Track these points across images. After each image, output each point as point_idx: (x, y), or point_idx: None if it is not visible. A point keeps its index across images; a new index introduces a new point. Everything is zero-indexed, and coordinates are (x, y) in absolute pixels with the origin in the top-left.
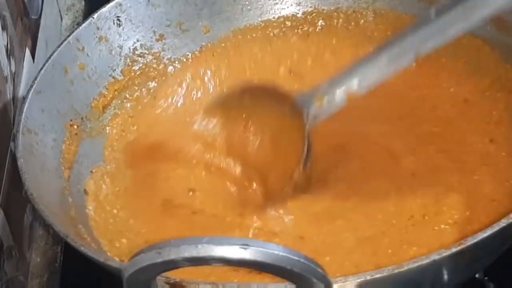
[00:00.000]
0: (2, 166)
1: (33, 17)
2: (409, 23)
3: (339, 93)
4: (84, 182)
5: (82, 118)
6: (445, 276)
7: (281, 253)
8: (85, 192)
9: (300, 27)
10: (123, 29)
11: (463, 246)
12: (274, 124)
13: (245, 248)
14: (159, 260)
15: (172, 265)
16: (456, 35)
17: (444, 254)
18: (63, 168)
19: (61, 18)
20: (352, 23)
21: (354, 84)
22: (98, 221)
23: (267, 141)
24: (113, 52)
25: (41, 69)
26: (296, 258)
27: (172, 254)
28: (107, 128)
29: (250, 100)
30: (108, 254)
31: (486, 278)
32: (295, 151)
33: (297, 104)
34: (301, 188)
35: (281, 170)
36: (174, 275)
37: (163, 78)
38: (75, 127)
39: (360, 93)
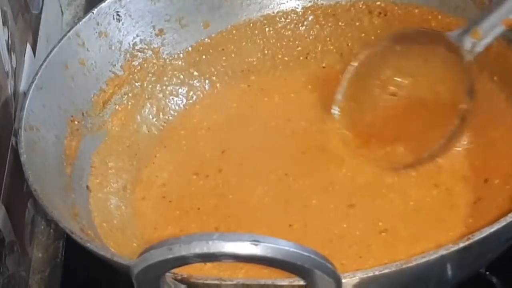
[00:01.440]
0: (4, 161)
1: (34, 12)
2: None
3: (495, 21)
4: (86, 178)
5: (83, 114)
6: (452, 271)
7: (291, 249)
8: (88, 188)
9: (300, 21)
10: (122, 24)
11: (471, 241)
12: (429, 69)
13: (256, 244)
14: (170, 256)
15: (182, 261)
16: None
17: (452, 249)
18: (65, 164)
19: (62, 13)
20: (352, 18)
21: (509, 10)
22: (101, 217)
23: (425, 86)
24: (113, 47)
25: (41, 64)
26: (306, 254)
27: (183, 250)
28: (108, 123)
29: (402, 47)
30: (112, 250)
31: (488, 272)
32: (456, 88)
33: (451, 41)
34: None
35: (442, 113)
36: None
37: (163, 73)
38: (76, 122)
39: None
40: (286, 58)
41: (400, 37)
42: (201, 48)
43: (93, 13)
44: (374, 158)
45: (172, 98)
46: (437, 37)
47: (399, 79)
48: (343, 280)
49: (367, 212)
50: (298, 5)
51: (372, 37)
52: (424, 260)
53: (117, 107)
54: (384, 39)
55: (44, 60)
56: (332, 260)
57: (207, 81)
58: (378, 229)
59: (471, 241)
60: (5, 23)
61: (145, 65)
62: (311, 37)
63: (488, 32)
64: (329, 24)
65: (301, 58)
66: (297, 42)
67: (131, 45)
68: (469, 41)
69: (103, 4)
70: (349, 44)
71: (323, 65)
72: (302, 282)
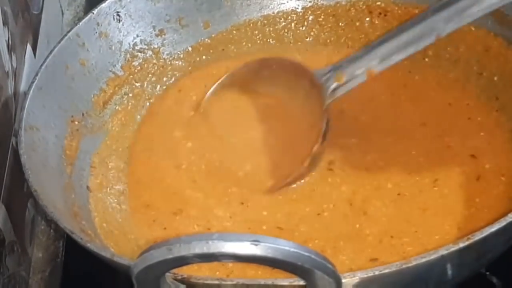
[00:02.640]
0: (4, 161)
1: (34, 12)
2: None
3: (359, 70)
4: (87, 178)
5: (83, 114)
6: (452, 271)
7: (291, 249)
8: (88, 188)
9: (300, 22)
10: (123, 25)
11: (471, 241)
12: (291, 99)
13: (256, 244)
14: (170, 256)
15: (182, 261)
16: (478, 15)
17: (452, 249)
18: (65, 164)
19: (62, 13)
20: (352, 18)
21: (374, 62)
22: (101, 217)
23: (284, 117)
24: (113, 48)
25: (42, 65)
26: (306, 254)
27: (183, 250)
28: (108, 124)
29: (268, 73)
30: (112, 250)
31: (488, 272)
32: (313, 127)
33: (316, 80)
34: (313, 166)
35: (298, 147)
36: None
37: (163, 73)
38: (76, 123)
39: (379, 71)
40: None
41: (266, 64)
42: (201, 48)
43: (93, 13)
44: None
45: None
46: (304, 72)
47: (264, 100)
48: (343, 280)
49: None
50: (298, 5)
51: (373, 38)
52: (424, 260)
53: (117, 107)
54: (255, 61)
55: (45, 61)
56: None
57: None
58: None
59: (471, 241)
60: (5, 23)
61: (145, 65)
62: (311, 38)
63: (351, 79)
64: (329, 25)
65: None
66: (298, 44)
67: (131, 46)
68: (333, 83)
69: (103, 5)
70: (349, 44)
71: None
72: (302, 282)
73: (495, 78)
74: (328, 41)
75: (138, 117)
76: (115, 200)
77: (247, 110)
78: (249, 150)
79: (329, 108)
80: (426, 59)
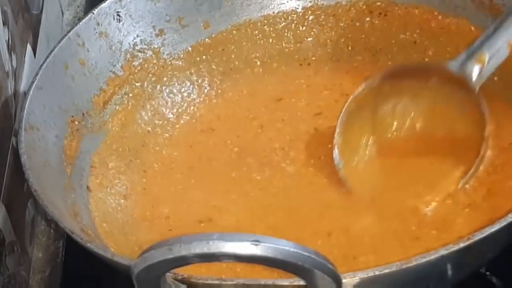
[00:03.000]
0: (4, 161)
1: (34, 12)
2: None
3: (499, 45)
4: (87, 178)
5: (83, 114)
6: (452, 271)
7: (292, 249)
8: (88, 188)
9: (300, 22)
10: (123, 25)
11: (471, 241)
12: (434, 103)
13: (256, 244)
14: (170, 256)
15: (182, 261)
16: None
17: (452, 249)
18: (65, 164)
19: (62, 13)
20: (352, 18)
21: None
22: (101, 217)
23: (433, 124)
24: (113, 48)
25: (42, 64)
26: (307, 254)
27: (183, 250)
28: (108, 123)
29: (394, 86)
30: (112, 250)
31: (488, 272)
32: (467, 121)
33: (452, 73)
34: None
35: (461, 149)
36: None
37: (163, 73)
38: (76, 123)
39: None
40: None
41: (389, 75)
42: (202, 48)
43: (93, 13)
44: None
45: (173, 98)
46: (433, 70)
47: (399, 121)
48: (344, 280)
49: None
50: (299, 5)
51: (373, 38)
52: (424, 260)
53: (117, 107)
54: (373, 78)
55: (45, 60)
56: None
57: (207, 82)
58: None
59: (471, 241)
60: (5, 23)
61: (145, 65)
62: (311, 38)
63: (493, 56)
64: (330, 25)
65: (302, 58)
66: (298, 45)
67: (131, 45)
68: (475, 68)
69: (103, 5)
70: (350, 44)
71: (324, 65)
72: (302, 282)
73: (495, 78)
74: (328, 41)
75: (138, 117)
76: (115, 200)
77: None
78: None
79: None
80: (426, 59)
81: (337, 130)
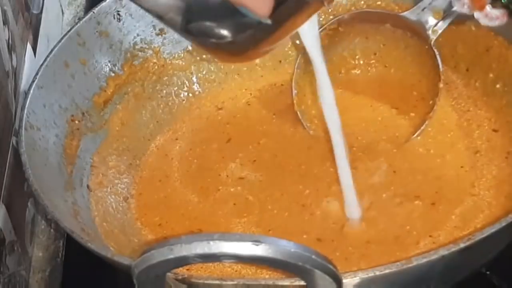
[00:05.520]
0: (4, 160)
1: (34, 11)
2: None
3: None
4: (87, 177)
5: (83, 113)
6: (453, 271)
7: (292, 249)
8: (88, 187)
9: None
10: (123, 24)
11: (471, 241)
12: (387, 47)
13: (257, 245)
14: (171, 256)
15: (183, 261)
16: None
17: (453, 249)
18: (65, 163)
19: (63, 13)
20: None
21: None
22: (101, 217)
23: (386, 69)
24: (113, 47)
25: (42, 64)
26: (307, 254)
27: (184, 250)
28: (109, 123)
29: (348, 29)
30: (112, 250)
31: (488, 272)
32: (423, 74)
33: (408, 20)
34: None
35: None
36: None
37: (163, 72)
38: (77, 122)
39: None
40: (287, 57)
41: (348, 17)
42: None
43: (93, 12)
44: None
45: (173, 98)
46: (392, 18)
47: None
48: (344, 281)
49: None
50: None
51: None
52: (424, 260)
53: (117, 106)
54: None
55: (45, 60)
56: None
57: (207, 81)
58: None
59: (471, 241)
60: (5, 22)
61: (146, 64)
62: None
63: (449, 10)
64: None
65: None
66: (297, 41)
67: (131, 45)
68: (430, 19)
69: (103, 4)
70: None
71: None
72: (302, 282)
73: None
74: (328, 39)
75: (139, 116)
76: (116, 199)
77: None
78: None
79: None
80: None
81: (294, 77)
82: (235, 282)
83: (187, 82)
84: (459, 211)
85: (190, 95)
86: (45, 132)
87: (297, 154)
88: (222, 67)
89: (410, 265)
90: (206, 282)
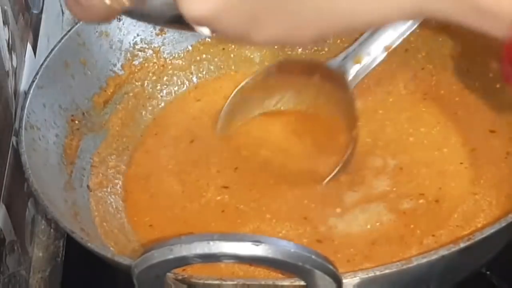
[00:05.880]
0: (4, 160)
1: (34, 11)
2: None
3: (377, 48)
4: (87, 177)
5: (83, 113)
6: (452, 271)
7: (292, 250)
8: (88, 187)
9: None
10: (123, 24)
11: (471, 241)
12: (313, 96)
13: (257, 245)
14: (171, 256)
15: (183, 261)
16: None
17: (453, 249)
18: (65, 163)
19: (63, 13)
20: None
21: (387, 38)
22: (101, 217)
23: (311, 115)
24: (113, 47)
25: (42, 64)
26: (307, 254)
27: (184, 250)
28: (109, 123)
29: (280, 77)
30: (112, 250)
31: (488, 272)
32: (343, 116)
33: (333, 70)
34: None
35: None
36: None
37: (163, 72)
38: (77, 122)
39: (396, 45)
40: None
41: (276, 68)
42: (202, 47)
43: None
44: None
45: (173, 98)
46: (315, 67)
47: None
48: (344, 281)
49: None
50: None
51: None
52: (425, 260)
53: (117, 106)
54: (259, 72)
55: (45, 60)
56: None
57: (207, 81)
58: None
59: (471, 241)
60: (5, 22)
61: (146, 64)
62: None
63: (369, 57)
64: None
65: (302, 57)
66: None
67: (131, 45)
68: (353, 67)
69: None
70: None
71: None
72: (302, 282)
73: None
74: (328, 40)
75: (139, 116)
76: (116, 199)
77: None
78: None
79: None
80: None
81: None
82: (235, 282)
83: (187, 82)
84: (461, 209)
85: (191, 95)
86: (45, 132)
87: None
88: (222, 67)
89: (410, 265)
90: (206, 282)
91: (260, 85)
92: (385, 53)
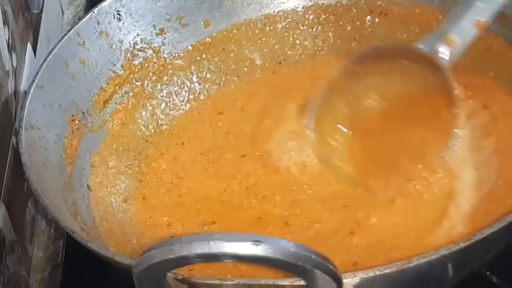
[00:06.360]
0: (4, 160)
1: (34, 11)
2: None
3: (467, 25)
4: (87, 177)
5: (83, 113)
6: (452, 271)
7: (292, 249)
8: (88, 187)
9: (300, 21)
10: (123, 24)
11: (472, 241)
12: (407, 82)
13: (257, 245)
14: (171, 256)
15: (183, 261)
16: None
17: (453, 249)
18: (65, 163)
19: (63, 13)
20: (352, 17)
21: (478, 13)
22: (101, 217)
23: (404, 102)
24: (113, 47)
25: (42, 64)
26: (307, 254)
27: (184, 250)
28: (109, 123)
29: (365, 69)
30: (113, 249)
31: (488, 272)
32: (438, 99)
33: (423, 54)
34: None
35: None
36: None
37: (163, 72)
38: (77, 122)
39: (488, 21)
40: (286, 58)
41: (361, 58)
42: (202, 47)
43: (93, 12)
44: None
45: (173, 97)
46: (401, 51)
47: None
48: (344, 280)
49: None
50: (299, 4)
51: (373, 38)
52: (425, 260)
53: (117, 106)
54: (346, 63)
55: (45, 59)
56: None
57: (207, 81)
58: None
59: (471, 241)
60: (5, 22)
61: (146, 64)
62: (312, 37)
63: (461, 36)
64: (330, 24)
65: (303, 57)
66: (297, 42)
67: (131, 45)
68: (444, 49)
69: (103, 4)
70: (353, 44)
71: (324, 64)
72: (302, 282)
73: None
74: (328, 40)
75: (139, 116)
76: (116, 199)
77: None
78: None
79: None
80: None
81: (312, 115)
82: (235, 282)
83: (187, 82)
84: None
85: (191, 95)
86: (45, 132)
87: None
88: (222, 67)
89: (410, 265)
90: (206, 282)
91: (346, 76)
92: (476, 31)
